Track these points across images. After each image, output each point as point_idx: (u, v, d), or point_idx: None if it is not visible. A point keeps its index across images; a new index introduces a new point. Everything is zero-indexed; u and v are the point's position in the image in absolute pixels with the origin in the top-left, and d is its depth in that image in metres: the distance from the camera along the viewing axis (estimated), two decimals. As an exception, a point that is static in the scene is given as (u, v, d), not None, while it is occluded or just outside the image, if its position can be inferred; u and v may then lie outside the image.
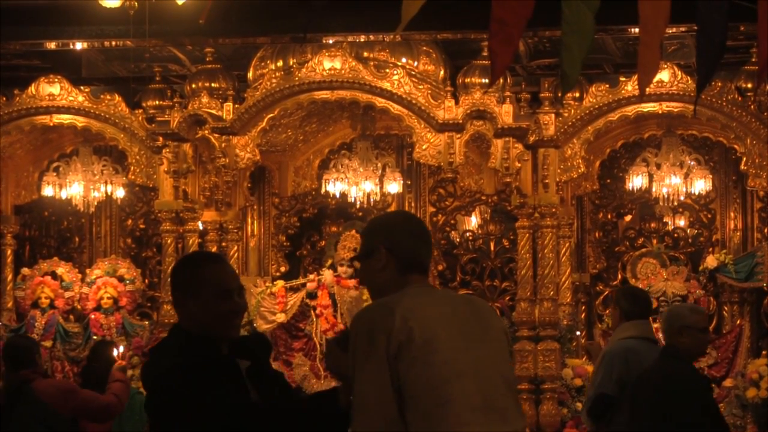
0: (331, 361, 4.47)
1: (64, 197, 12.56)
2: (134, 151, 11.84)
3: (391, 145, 12.85)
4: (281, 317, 12.14)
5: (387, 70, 11.39)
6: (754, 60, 11.61)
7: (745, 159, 11.05)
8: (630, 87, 11.15)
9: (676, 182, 11.72)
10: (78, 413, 8.63)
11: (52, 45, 11.89)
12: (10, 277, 12.58)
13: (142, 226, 13.45)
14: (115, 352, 9.37)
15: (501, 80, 11.11)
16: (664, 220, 12.68)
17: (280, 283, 12.35)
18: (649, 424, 7.36)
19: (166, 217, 11.68)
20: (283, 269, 12.85)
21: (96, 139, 12.36)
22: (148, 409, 4.46)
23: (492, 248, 12.84)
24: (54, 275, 12.65)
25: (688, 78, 11.07)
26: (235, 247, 12.43)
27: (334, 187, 12.15)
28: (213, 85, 12.06)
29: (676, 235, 12.57)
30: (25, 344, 8.81)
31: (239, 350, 4.49)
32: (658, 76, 10.57)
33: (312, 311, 12.18)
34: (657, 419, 7.29)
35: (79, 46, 11.90)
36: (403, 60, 11.93)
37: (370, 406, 4.07)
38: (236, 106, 11.36)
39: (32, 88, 11.95)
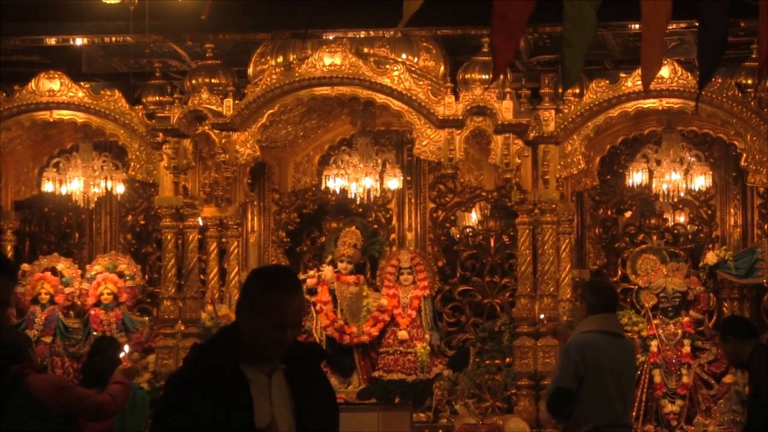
0: None
1: (64, 193, 12.55)
2: (134, 147, 11.83)
3: (391, 141, 12.86)
4: (281, 313, 12.13)
5: (387, 66, 11.38)
6: (754, 56, 11.61)
7: (745, 155, 11.05)
8: (630, 83, 11.14)
9: (676, 178, 11.72)
10: (71, 410, 8.62)
11: (52, 41, 11.90)
12: (10, 272, 12.55)
13: (142, 222, 13.46)
14: (122, 354, 9.38)
15: (501, 76, 11.10)
16: (664, 217, 12.68)
17: (280, 279, 12.33)
18: None
19: (166, 213, 11.67)
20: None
21: (96, 135, 12.36)
22: None
23: (492, 244, 12.84)
24: (54, 271, 12.65)
25: (689, 74, 11.07)
26: (235, 243, 12.44)
27: (334, 183, 12.15)
28: (213, 80, 12.05)
29: (676, 231, 12.57)
30: (18, 339, 8.82)
31: (287, 358, 4.52)
32: (658, 73, 10.55)
33: (312, 307, 12.18)
34: None
35: (79, 41, 11.91)
36: (403, 56, 11.93)
37: None
38: (236, 101, 11.36)
39: (32, 84, 11.94)
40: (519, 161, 11.09)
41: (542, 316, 11.12)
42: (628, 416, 8.53)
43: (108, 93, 11.97)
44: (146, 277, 13.09)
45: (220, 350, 4.51)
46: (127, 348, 9.52)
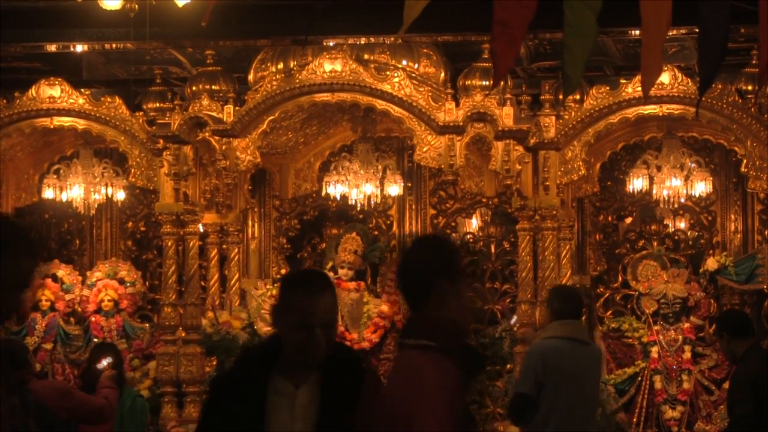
0: None
1: (64, 200, 12.55)
2: (135, 154, 11.83)
3: (391, 148, 12.86)
4: (282, 320, 12.11)
5: (387, 73, 11.38)
6: (754, 62, 11.61)
7: (745, 161, 11.05)
8: (630, 89, 11.14)
9: (677, 184, 11.72)
10: (73, 414, 8.68)
11: (52, 47, 11.89)
12: (10, 279, 12.54)
13: (142, 229, 13.45)
14: (103, 363, 9.40)
15: (501, 82, 11.10)
16: (665, 223, 12.68)
17: (281, 285, 12.31)
18: None
19: (167, 219, 11.66)
20: (283, 271, 12.84)
21: (96, 142, 12.36)
22: None
23: (493, 250, 12.83)
24: (54, 278, 12.64)
25: (689, 80, 11.07)
26: (236, 250, 12.43)
27: (334, 189, 12.15)
28: (213, 87, 12.05)
29: (676, 237, 12.57)
30: (17, 346, 8.87)
31: (327, 368, 4.48)
32: (658, 79, 10.56)
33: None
34: None
35: (79, 48, 11.91)
36: (404, 62, 11.93)
37: None
38: (237, 108, 11.35)
39: (33, 91, 11.94)
40: (519, 167, 11.08)
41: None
42: (591, 423, 8.49)
43: (108, 100, 11.97)
44: (147, 283, 13.09)
45: (253, 358, 4.51)
46: (104, 361, 9.52)
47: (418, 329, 4.22)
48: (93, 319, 12.46)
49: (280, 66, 11.99)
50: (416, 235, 12.39)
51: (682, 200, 12.02)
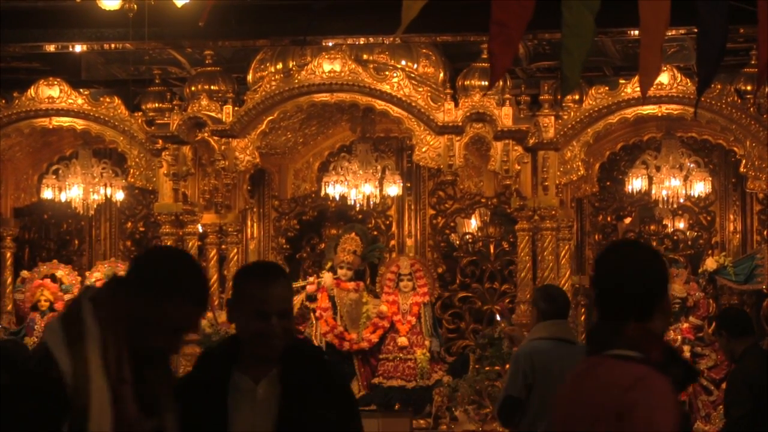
0: None
1: (63, 200, 12.54)
2: (134, 154, 11.83)
3: (390, 148, 12.86)
4: (281, 320, 12.11)
5: (386, 73, 11.38)
6: (753, 62, 11.61)
7: (744, 161, 11.05)
8: (629, 89, 11.15)
9: (676, 184, 11.72)
10: None
11: (51, 47, 11.89)
12: (9, 279, 12.57)
13: (141, 229, 13.45)
14: None
15: (500, 83, 11.11)
16: (664, 223, 12.68)
17: (280, 285, 12.30)
18: None
19: (166, 219, 11.67)
20: (282, 272, 12.81)
21: (95, 142, 12.36)
22: None
23: (492, 251, 12.83)
24: (53, 278, 12.64)
25: (688, 80, 11.08)
26: (235, 250, 12.43)
27: (333, 189, 12.15)
28: (212, 87, 12.05)
29: (675, 237, 12.57)
30: (17, 346, 8.87)
31: (287, 363, 4.44)
32: (657, 79, 10.55)
33: (312, 314, 12.17)
34: None
35: (78, 48, 11.90)
36: (403, 62, 11.93)
37: None
38: (236, 108, 11.36)
39: (32, 91, 11.95)
40: (518, 168, 11.09)
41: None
42: None
43: (107, 100, 11.97)
44: (146, 283, 13.06)
45: (213, 357, 4.48)
46: None
47: (639, 342, 4.03)
48: (92, 319, 12.44)
49: (279, 66, 11.99)
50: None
51: (681, 200, 12.02)
